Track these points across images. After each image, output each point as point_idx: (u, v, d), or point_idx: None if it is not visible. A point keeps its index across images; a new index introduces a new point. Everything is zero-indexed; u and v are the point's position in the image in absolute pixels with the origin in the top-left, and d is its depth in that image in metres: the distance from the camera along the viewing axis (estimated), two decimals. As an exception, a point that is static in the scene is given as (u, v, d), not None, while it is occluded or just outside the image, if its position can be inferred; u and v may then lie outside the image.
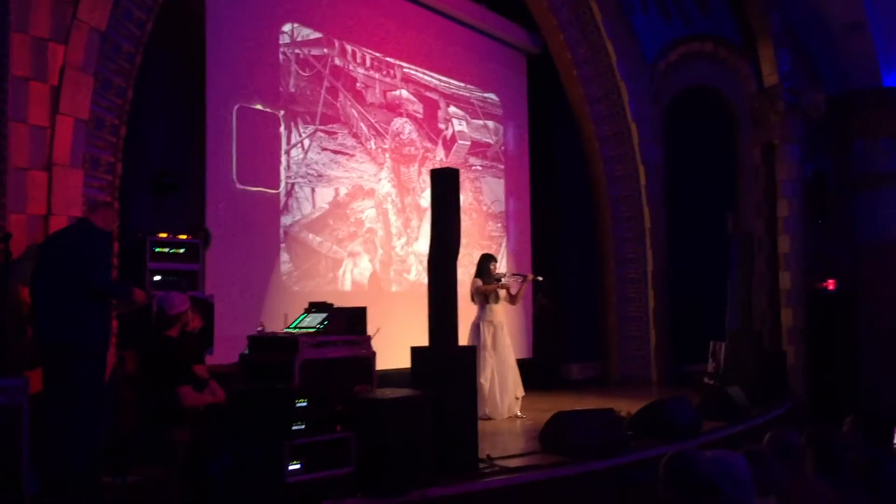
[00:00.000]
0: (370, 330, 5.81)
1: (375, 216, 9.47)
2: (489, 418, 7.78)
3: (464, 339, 5.85)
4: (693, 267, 12.07)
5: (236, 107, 7.97)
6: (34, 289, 4.88)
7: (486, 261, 8.31)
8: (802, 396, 11.42)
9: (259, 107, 8.20)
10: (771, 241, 12.41)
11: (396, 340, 6.88)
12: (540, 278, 8.84)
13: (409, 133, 10.16)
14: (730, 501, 2.64)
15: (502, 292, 8.22)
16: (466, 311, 7.48)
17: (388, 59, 9.86)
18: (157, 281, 6.07)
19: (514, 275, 8.65)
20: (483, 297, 8.10)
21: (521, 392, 8.20)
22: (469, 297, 8.12)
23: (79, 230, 4.99)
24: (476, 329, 8.07)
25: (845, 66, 12.83)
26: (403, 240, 9.89)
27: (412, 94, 10.22)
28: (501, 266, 10.40)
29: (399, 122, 10.00)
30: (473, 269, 8.36)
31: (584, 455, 5.94)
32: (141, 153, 7.07)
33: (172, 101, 7.46)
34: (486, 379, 7.91)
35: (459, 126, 10.94)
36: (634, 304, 12.14)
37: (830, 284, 12.88)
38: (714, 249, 11.18)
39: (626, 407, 7.49)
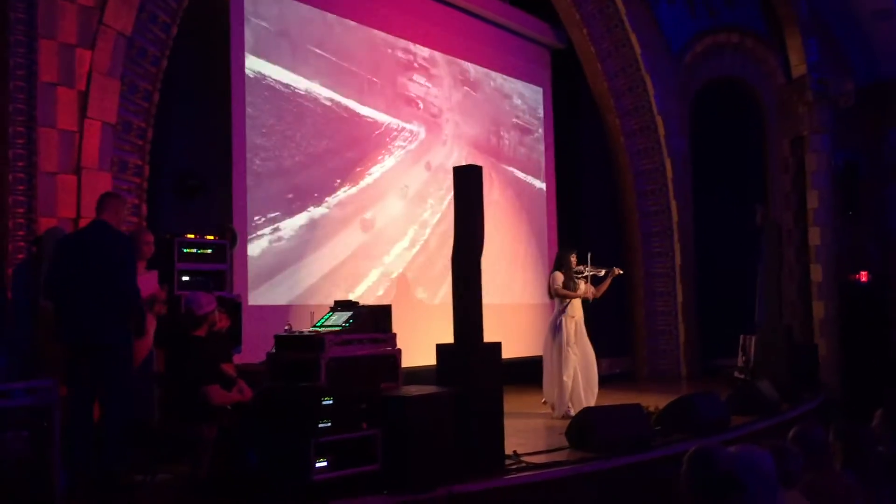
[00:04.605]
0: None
1: (404, 214, 9.48)
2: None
3: (493, 335, 5.81)
4: (722, 260, 11.96)
5: (261, 107, 8.01)
6: (55, 292, 4.91)
7: (566, 253, 8.15)
8: (835, 390, 11.27)
9: (284, 107, 8.24)
10: (801, 233, 12.26)
11: (423, 338, 6.90)
12: (620, 272, 8.35)
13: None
14: (753, 497, 2.63)
15: (582, 286, 8.02)
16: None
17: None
18: (185, 281, 6.13)
19: (595, 269, 8.14)
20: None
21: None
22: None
23: (97, 232, 4.98)
24: (556, 325, 7.95)
25: (874, 55, 12.62)
26: (434, 239, 9.89)
27: (436, 91, 10.21)
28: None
29: (423, 120, 10.01)
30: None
31: (611, 451, 5.92)
32: (168, 155, 7.15)
33: (198, 102, 7.53)
34: (569, 376, 7.82)
35: (484, 122, 10.92)
36: (663, 298, 12.07)
37: (863, 276, 12.69)
38: (743, 242, 11.06)
39: (655, 402, 7.44)
